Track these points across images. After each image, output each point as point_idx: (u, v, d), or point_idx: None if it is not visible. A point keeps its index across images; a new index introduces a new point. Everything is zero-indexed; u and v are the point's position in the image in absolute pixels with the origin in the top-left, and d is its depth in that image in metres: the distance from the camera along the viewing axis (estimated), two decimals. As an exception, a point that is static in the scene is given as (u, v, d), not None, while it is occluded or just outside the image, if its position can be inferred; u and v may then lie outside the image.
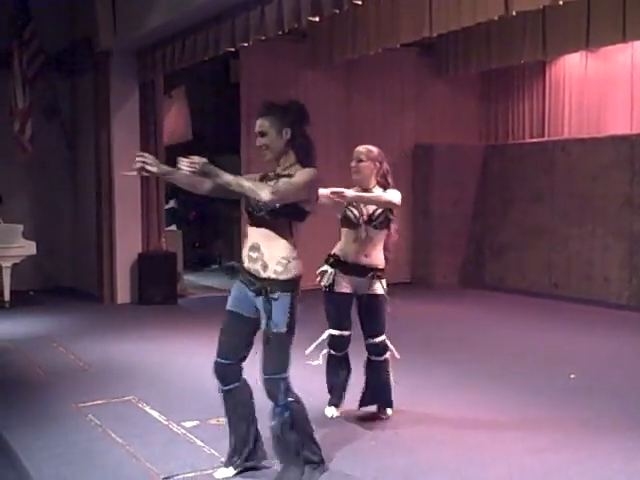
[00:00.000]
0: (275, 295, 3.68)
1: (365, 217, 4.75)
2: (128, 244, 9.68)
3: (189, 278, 11.41)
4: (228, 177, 3.60)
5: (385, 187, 4.82)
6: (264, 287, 3.70)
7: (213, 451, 4.25)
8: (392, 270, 4.89)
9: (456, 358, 6.60)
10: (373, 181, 4.81)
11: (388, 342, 4.88)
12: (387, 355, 4.89)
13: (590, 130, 10.30)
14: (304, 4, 6.29)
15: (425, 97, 11.40)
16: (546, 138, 10.81)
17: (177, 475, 3.97)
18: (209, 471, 3.99)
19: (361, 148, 4.84)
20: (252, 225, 3.79)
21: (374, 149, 4.84)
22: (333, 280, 4.77)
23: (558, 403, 5.27)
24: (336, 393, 4.95)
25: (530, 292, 10.17)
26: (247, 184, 3.61)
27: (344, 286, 4.77)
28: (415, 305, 9.15)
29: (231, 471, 3.93)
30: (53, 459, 4.25)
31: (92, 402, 5.29)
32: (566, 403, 5.27)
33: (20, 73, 9.43)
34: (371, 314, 4.82)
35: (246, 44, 7.54)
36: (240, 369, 3.89)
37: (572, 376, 5.92)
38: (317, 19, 6.57)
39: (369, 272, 4.76)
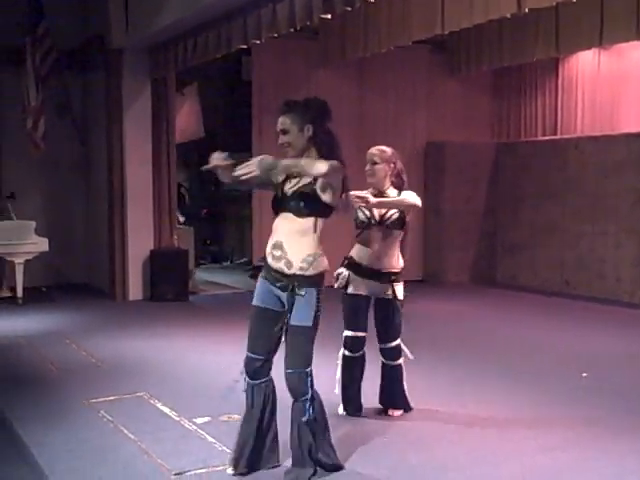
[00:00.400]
0: (302, 291, 3.69)
1: (377, 218, 4.68)
2: (140, 241, 9.70)
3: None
4: (285, 162, 3.65)
5: (400, 187, 4.75)
6: (291, 283, 3.71)
7: (224, 447, 4.24)
8: (404, 267, 4.86)
9: (467, 356, 6.59)
10: (387, 183, 4.74)
11: (403, 346, 4.86)
12: (401, 360, 4.86)
13: (603, 128, 10.26)
14: (316, 1, 6.27)
15: (437, 95, 11.37)
16: (559, 136, 10.77)
17: (189, 471, 3.98)
18: (220, 467, 3.99)
19: (374, 150, 4.75)
20: (277, 221, 3.79)
21: (387, 149, 4.76)
22: (347, 282, 4.73)
23: (570, 402, 5.26)
24: (350, 400, 4.86)
25: (542, 290, 10.14)
26: (303, 161, 3.65)
27: (360, 288, 4.73)
28: (427, 303, 9.13)
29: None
30: (65, 454, 4.27)
31: (104, 398, 5.31)
32: (578, 402, 5.25)
33: (33, 70, 9.45)
34: (385, 319, 4.78)
35: (258, 41, 7.53)
36: (270, 365, 3.88)
37: (584, 375, 5.90)
38: (329, 17, 6.56)
39: (384, 277, 4.70)
